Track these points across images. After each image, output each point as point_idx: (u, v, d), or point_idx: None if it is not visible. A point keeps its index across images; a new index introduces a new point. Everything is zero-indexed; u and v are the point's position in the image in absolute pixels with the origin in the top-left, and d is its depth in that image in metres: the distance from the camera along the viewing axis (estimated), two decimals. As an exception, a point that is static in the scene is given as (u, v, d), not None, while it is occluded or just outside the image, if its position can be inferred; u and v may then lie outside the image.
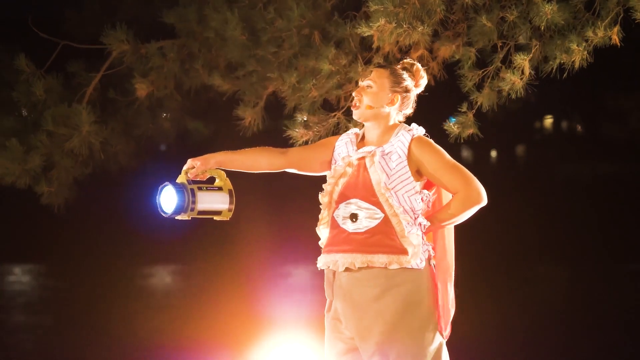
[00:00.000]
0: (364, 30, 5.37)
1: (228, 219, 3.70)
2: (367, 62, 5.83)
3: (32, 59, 6.56)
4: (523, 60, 5.37)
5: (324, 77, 5.88)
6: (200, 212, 3.62)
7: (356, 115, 3.72)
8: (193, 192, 3.60)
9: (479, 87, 5.64)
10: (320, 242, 3.74)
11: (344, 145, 3.76)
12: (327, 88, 5.93)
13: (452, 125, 5.66)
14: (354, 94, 3.74)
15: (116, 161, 6.85)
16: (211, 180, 3.72)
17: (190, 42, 6.59)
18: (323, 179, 3.75)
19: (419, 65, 3.80)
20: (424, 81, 3.79)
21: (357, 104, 3.71)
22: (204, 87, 6.74)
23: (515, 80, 5.40)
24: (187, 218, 3.62)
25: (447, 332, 3.68)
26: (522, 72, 5.40)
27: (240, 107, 6.38)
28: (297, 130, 5.90)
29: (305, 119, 6.01)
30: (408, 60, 3.82)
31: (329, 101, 6.09)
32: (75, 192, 6.59)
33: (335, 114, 6.02)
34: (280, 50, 6.15)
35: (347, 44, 5.91)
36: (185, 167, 3.67)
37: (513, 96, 5.49)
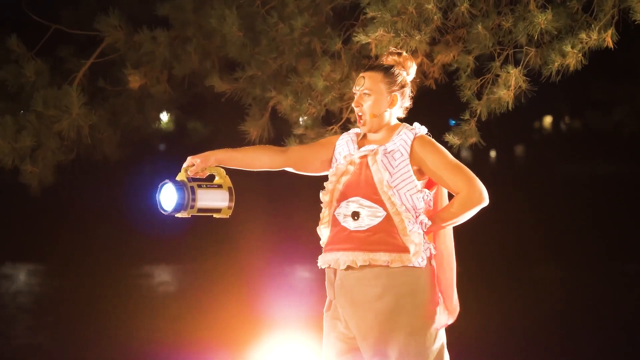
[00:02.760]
0: (362, 39, 5.35)
1: (228, 216, 3.69)
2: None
3: (24, 42, 6.53)
4: (510, 75, 5.36)
5: (320, 93, 5.87)
6: (200, 210, 3.61)
7: (365, 129, 3.69)
8: (193, 189, 3.59)
9: (479, 94, 5.63)
10: (321, 242, 3.72)
11: (344, 144, 3.75)
12: (325, 103, 5.93)
13: (452, 137, 5.65)
14: (353, 105, 3.71)
15: (101, 150, 6.82)
16: (211, 177, 3.70)
17: (185, 29, 6.58)
18: (324, 179, 3.74)
19: (404, 52, 3.75)
20: (413, 69, 3.74)
21: (362, 116, 3.68)
22: (196, 79, 6.72)
23: (507, 94, 5.40)
24: (187, 216, 3.61)
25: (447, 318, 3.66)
26: (516, 83, 5.39)
27: (246, 122, 6.37)
28: (295, 144, 5.89)
29: (300, 132, 6.01)
30: (392, 49, 3.78)
31: (329, 111, 6.09)
32: (55, 178, 6.54)
33: (333, 127, 6.01)
34: (280, 57, 6.14)
35: (345, 56, 5.89)
36: (185, 165, 3.66)
37: (507, 107, 5.49)
